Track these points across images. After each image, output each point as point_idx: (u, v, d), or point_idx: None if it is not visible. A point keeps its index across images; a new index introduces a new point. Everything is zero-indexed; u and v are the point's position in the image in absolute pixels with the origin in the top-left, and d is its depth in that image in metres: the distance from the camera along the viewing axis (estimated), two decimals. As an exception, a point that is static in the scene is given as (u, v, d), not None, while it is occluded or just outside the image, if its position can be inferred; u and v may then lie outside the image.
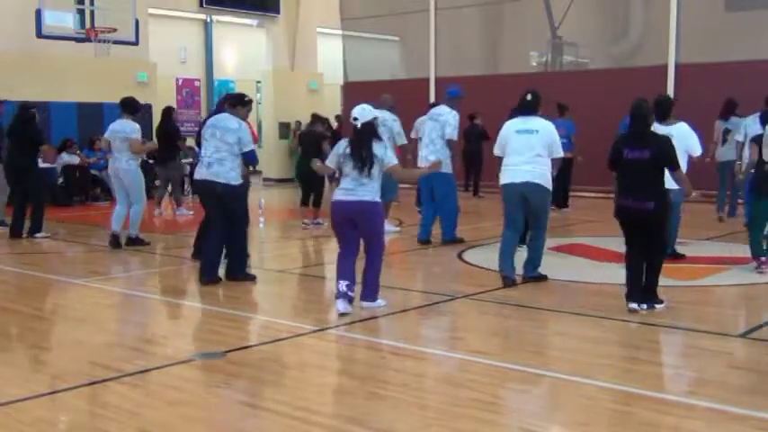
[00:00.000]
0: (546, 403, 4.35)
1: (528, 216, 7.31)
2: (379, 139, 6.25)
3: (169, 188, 13.81)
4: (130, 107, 9.86)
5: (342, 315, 6.12)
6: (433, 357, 5.32)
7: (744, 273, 7.88)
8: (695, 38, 15.32)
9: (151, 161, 14.31)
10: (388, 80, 19.18)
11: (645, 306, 6.12)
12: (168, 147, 13.06)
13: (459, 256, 9.05)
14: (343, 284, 6.22)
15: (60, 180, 15.70)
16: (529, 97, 7.28)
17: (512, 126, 7.28)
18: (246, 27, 23.56)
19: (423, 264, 8.96)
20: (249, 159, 7.48)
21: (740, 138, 10.13)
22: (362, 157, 6.09)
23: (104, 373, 4.81)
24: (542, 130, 7.15)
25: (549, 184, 7.15)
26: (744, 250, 8.93)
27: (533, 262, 7.38)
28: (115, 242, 9.70)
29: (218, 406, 4.38)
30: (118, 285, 7.94)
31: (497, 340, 5.72)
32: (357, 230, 6.28)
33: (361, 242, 6.38)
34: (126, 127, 9.64)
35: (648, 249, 6.21)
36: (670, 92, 15.18)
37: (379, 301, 6.41)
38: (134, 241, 9.81)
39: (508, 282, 7.18)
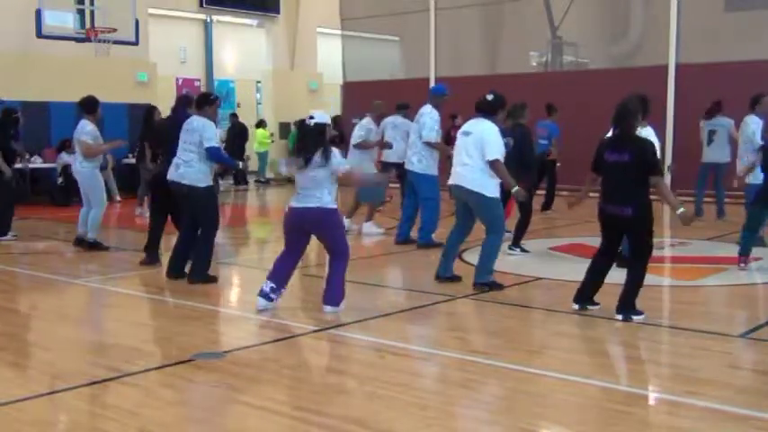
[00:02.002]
0: (545, 403, 4.35)
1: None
2: (326, 144, 6.10)
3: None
4: (87, 106, 9.62)
5: (260, 311, 6.27)
6: (433, 357, 5.31)
7: (744, 273, 7.87)
8: (695, 38, 15.32)
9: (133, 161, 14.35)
10: (387, 80, 19.20)
11: (620, 317, 5.92)
12: (143, 147, 12.99)
13: (459, 256, 9.03)
14: (267, 285, 6.33)
15: (60, 180, 15.70)
16: (489, 97, 7.09)
17: (462, 127, 7.25)
18: (246, 27, 23.56)
19: (422, 264, 8.94)
20: (211, 155, 7.41)
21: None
22: (305, 158, 6.04)
23: (104, 373, 4.81)
24: (475, 132, 6.99)
25: (481, 188, 6.90)
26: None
27: (484, 267, 7.08)
28: (79, 243, 9.61)
29: (218, 406, 4.38)
30: (117, 285, 7.94)
31: (497, 340, 5.71)
32: (306, 238, 6.35)
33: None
34: (79, 128, 9.49)
35: (629, 257, 6.04)
36: (670, 92, 15.21)
37: (342, 305, 6.30)
38: (93, 245, 9.54)
39: (440, 279, 7.31)
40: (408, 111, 10.92)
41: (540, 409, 4.26)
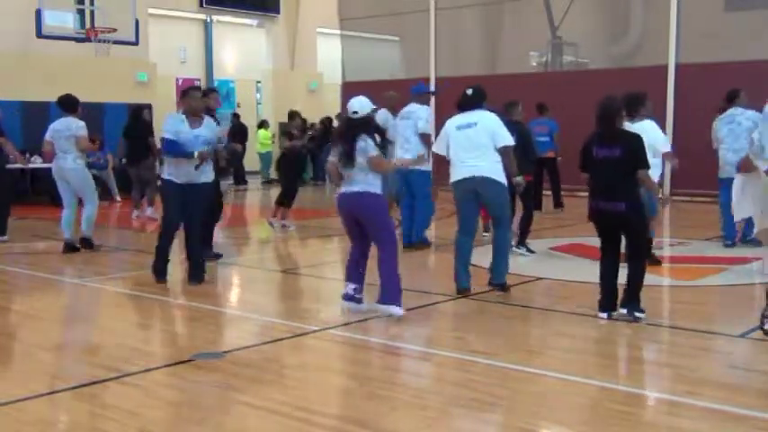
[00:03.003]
0: (546, 403, 4.35)
1: (490, 215, 6.99)
2: (370, 133, 6.08)
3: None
4: (71, 105, 9.53)
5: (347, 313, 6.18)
6: (433, 357, 5.31)
7: (744, 273, 7.87)
8: (695, 38, 15.31)
9: (123, 161, 14.19)
10: (387, 80, 19.20)
11: (625, 311, 5.90)
12: (138, 147, 12.92)
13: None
14: (349, 288, 6.24)
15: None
16: (469, 92, 6.95)
17: (452, 123, 6.99)
18: (246, 27, 23.58)
19: (422, 263, 8.95)
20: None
21: (714, 144, 9.68)
22: (346, 149, 6.01)
23: (104, 373, 4.81)
24: (480, 121, 6.83)
25: (500, 177, 6.75)
26: (743, 250, 8.93)
27: (500, 266, 6.91)
28: (69, 249, 9.44)
29: (218, 406, 4.38)
30: (117, 285, 7.94)
31: (497, 340, 5.71)
32: (360, 226, 6.18)
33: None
34: (71, 125, 9.32)
35: (628, 254, 5.98)
36: (670, 92, 15.20)
37: (393, 308, 6.07)
38: (86, 242, 9.47)
39: (462, 291, 6.91)
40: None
41: (540, 409, 4.26)
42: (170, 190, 7.41)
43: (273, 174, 20.90)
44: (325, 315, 6.50)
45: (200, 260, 7.61)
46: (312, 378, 4.88)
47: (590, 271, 8.04)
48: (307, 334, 5.79)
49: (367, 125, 6.11)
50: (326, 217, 13.40)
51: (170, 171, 7.36)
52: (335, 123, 21.44)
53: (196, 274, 7.49)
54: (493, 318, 6.37)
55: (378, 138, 6.11)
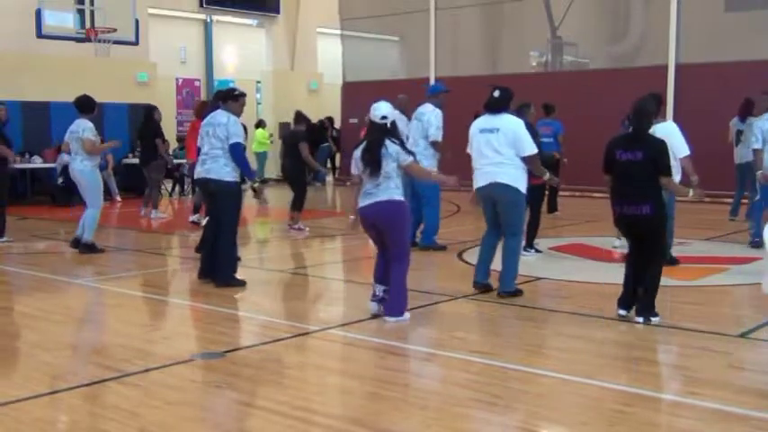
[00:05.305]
0: (546, 403, 4.35)
1: (501, 221, 6.90)
2: (396, 137, 6.02)
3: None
4: (84, 106, 9.56)
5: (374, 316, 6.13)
6: (433, 357, 5.31)
7: (744, 273, 7.87)
8: (695, 38, 15.32)
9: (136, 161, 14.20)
10: (387, 80, 19.22)
11: (641, 319, 5.89)
12: (148, 147, 12.95)
13: (460, 256, 9.04)
14: (378, 289, 6.18)
15: (60, 180, 15.70)
16: (496, 94, 6.82)
17: (477, 125, 6.90)
18: (246, 27, 23.58)
19: (423, 263, 8.94)
20: (232, 151, 7.25)
21: (758, 145, 8.96)
22: (374, 158, 5.87)
23: (104, 373, 4.81)
24: (503, 128, 6.67)
25: (517, 183, 6.64)
26: (743, 250, 8.94)
27: (510, 274, 6.81)
28: (75, 244, 9.48)
29: (218, 406, 4.38)
30: (118, 285, 7.94)
31: (497, 340, 5.71)
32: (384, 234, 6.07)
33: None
34: (79, 126, 9.38)
35: (645, 258, 5.97)
36: (670, 92, 15.21)
37: (401, 318, 6.02)
38: (89, 248, 9.38)
39: (478, 286, 6.96)
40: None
41: (540, 409, 4.26)
42: (240, 192, 7.56)
43: (269, 173, 20.99)
44: (325, 315, 6.50)
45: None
46: (312, 378, 4.89)
47: (590, 271, 8.08)
48: (307, 334, 5.79)
49: (395, 130, 6.04)
50: (326, 217, 13.42)
51: (236, 174, 7.35)
52: (337, 124, 21.52)
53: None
54: (493, 318, 6.37)
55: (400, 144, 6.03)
